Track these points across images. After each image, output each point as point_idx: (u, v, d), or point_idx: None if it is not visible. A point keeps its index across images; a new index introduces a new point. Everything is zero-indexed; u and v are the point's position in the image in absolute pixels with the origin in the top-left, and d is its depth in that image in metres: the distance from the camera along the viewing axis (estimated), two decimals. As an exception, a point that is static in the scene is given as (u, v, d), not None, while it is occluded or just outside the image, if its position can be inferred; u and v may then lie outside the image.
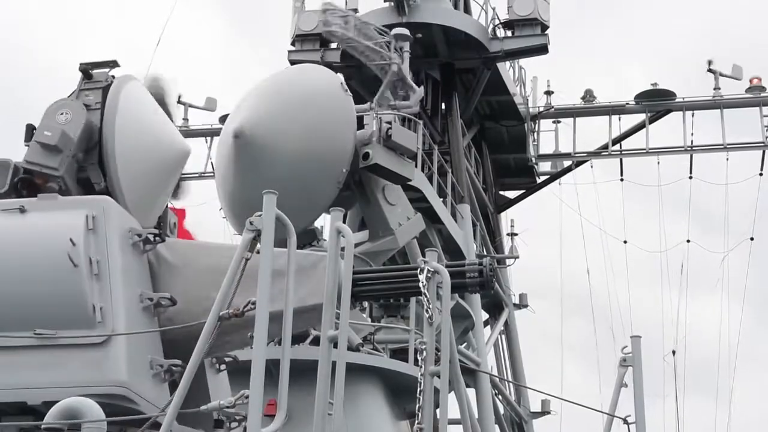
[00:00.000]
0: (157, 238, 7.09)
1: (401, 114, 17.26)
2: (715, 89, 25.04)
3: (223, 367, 7.56)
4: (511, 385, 24.19)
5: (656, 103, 25.13)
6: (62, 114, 7.49)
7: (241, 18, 55.39)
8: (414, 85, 18.41)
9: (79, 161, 7.46)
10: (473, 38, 22.54)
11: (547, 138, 26.09)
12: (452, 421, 17.85)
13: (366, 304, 18.43)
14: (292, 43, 23.88)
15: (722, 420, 24.32)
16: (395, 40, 18.74)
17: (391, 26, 20.93)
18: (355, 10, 23.35)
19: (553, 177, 26.15)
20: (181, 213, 10.92)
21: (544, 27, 23.25)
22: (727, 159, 24.74)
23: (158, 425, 5.91)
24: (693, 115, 24.99)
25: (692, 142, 24.93)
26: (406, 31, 19.29)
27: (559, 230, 25.70)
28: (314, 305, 6.62)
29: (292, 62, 23.18)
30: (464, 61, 22.96)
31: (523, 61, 25.60)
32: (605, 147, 25.49)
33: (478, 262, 6.86)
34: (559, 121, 26.09)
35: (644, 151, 25.22)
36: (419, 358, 6.43)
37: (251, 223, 5.88)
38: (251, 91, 15.79)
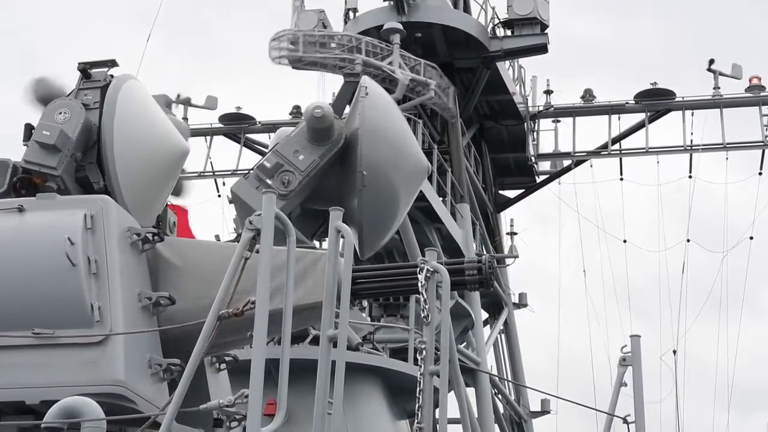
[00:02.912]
0: (155, 237, 7.06)
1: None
2: (714, 88, 25.02)
3: (222, 366, 7.55)
4: (510, 384, 24.19)
5: (656, 102, 25.11)
6: (61, 113, 7.47)
7: (243, 16, 55.37)
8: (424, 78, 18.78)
9: (77, 161, 7.44)
10: (473, 38, 22.55)
11: (546, 137, 26.13)
12: (452, 421, 17.92)
13: (366, 303, 18.44)
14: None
15: (722, 422, 24.31)
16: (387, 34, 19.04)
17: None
18: (355, 10, 23.37)
19: (553, 176, 26.15)
20: (183, 212, 10.86)
21: (544, 26, 23.26)
22: (727, 158, 24.76)
23: (158, 424, 5.89)
24: (693, 115, 24.99)
25: (692, 141, 24.93)
26: (398, 26, 19.37)
27: (558, 230, 25.73)
28: (313, 303, 6.61)
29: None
30: (464, 60, 22.97)
31: (523, 61, 25.61)
32: (605, 146, 25.49)
33: (477, 260, 6.84)
34: (558, 121, 26.09)
35: (644, 150, 25.22)
36: (419, 358, 6.41)
37: (250, 223, 5.86)
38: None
